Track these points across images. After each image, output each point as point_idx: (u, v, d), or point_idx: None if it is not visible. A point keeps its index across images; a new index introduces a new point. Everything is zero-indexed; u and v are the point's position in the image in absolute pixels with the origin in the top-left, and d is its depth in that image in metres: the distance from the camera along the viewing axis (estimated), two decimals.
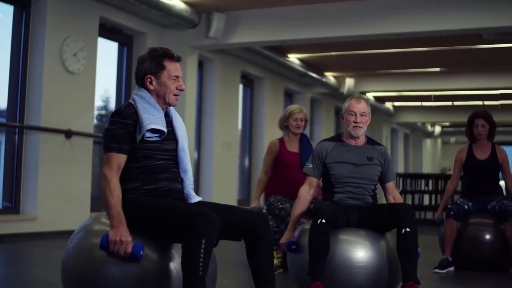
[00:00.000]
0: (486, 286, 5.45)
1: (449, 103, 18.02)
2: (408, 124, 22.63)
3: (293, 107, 6.17)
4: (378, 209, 4.46)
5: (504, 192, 6.50)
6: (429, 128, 24.80)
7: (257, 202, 6.16)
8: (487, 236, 6.20)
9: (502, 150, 6.52)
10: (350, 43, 11.03)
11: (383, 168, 4.66)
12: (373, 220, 4.42)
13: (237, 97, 12.41)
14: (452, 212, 6.26)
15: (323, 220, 4.18)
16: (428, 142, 26.65)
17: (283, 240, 4.55)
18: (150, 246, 3.26)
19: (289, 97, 15.11)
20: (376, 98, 17.81)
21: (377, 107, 18.32)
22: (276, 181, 6.06)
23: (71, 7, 8.44)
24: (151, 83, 3.50)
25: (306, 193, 4.67)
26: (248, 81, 13.26)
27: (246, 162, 13.22)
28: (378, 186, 4.69)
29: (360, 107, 4.59)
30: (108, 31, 9.48)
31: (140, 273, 3.19)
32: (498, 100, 16.51)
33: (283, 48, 11.94)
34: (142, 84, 3.52)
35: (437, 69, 14.23)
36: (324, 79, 14.19)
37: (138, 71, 3.53)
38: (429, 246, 7.28)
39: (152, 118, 3.38)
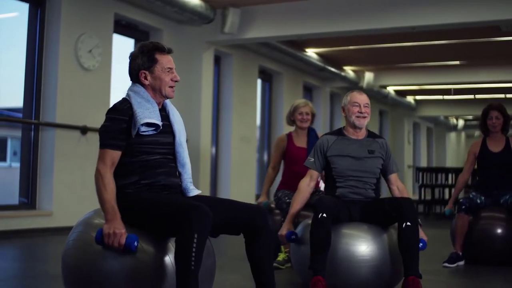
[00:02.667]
0: (495, 281, 5.42)
1: (471, 96, 17.90)
2: (430, 118, 22.53)
3: (299, 101, 6.18)
4: (380, 203, 4.46)
5: None
6: (453, 121, 24.64)
7: (264, 197, 6.18)
8: (499, 230, 6.15)
9: None
10: (368, 36, 11.01)
11: (384, 161, 4.68)
12: (375, 214, 4.43)
13: (255, 92, 12.43)
14: (464, 207, 6.23)
15: (324, 214, 4.19)
16: (452, 135, 26.50)
17: (282, 231, 4.58)
18: (147, 240, 3.29)
19: (309, 91, 15.10)
20: (396, 92, 17.75)
21: (398, 101, 18.26)
22: (285, 176, 6.08)
23: (85, 4, 8.51)
24: (145, 78, 3.52)
25: (307, 185, 4.70)
26: (266, 76, 13.27)
27: (265, 157, 13.23)
28: (382, 181, 4.70)
29: (363, 98, 4.69)
30: (124, 27, 9.54)
31: (137, 266, 3.22)
32: None
33: (301, 43, 11.96)
34: (136, 80, 3.55)
35: (457, 62, 14.15)
36: (343, 73, 14.17)
37: (131, 67, 3.56)
38: (441, 240, 7.26)
39: (146, 113, 3.41)
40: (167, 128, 3.55)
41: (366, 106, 4.66)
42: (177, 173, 3.61)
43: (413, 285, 4.06)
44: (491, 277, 5.56)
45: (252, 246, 3.54)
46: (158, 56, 3.54)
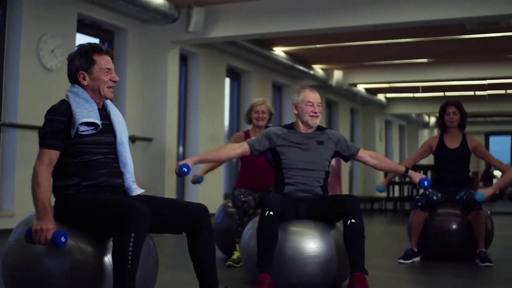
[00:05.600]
0: (449, 276, 5.47)
1: (441, 93, 18.03)
2: (402, 115, 22.66)
3: (256, 100, 6.20)
4: (326, 200, 4.51)
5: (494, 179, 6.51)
6: (425, 119, 24.79)
7: (201, 172, 6.27)
8: (454, 226, 6.22)
9: (472, 138, 6.55)
10: (336, 35, 11.06)
11: (340, 147, 4.73)
12: (321, 211, 4.48)
13: (223, 90, 12.44)
14: (419, 203, 6.29)
15: (271, 212, 4.23)
16: (424, 133, 26.64)
17: (179, 163, 4.40)
18: (85, 240, 3.31)
19: (278, 90, 15.14)
20: (367, 90, 17.84)
21: (369, 99, 18.36)
22: (242, 174, 6.10)
23: (47, 4, 8.46)
24: (84, 78, 3.54)
25: (231, 149, 4.75)
26: (235, 75, 13.29)
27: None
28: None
29: (316, 97, 4.73)
30: (88, 27, 9.51)
31: (75, 267, 3.23)
32: (485, 90, 16.53)
33: (269, 41, 12.00)
34: (75, 81, 3.57)
35: (425, 60, 14.25)
36: (312, 72, 14.24)
37: (69, 69, 3.58)
38: (400, 236, 7.32)
39: (84, 112, 3.42)
40: (107, 127, 3.56)
41: (319, 105, 4.70)
42: (120, 172, 3.62)
43: (359, 281, 4.10)
44: (445, 273, 5.62)
45: (195, 245, 3.58)
46: (96, 57, 3.56)
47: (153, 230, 3.48)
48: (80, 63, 3.54)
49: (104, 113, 3.62)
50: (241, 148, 4.72)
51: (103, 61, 3.58)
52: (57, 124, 3.39)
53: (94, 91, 3.56)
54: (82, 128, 3.42)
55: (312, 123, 4.69)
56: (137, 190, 3.65)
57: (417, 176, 4.80)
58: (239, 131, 6.41)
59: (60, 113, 3.42)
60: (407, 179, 14.11)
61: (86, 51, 3.55)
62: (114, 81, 3.61)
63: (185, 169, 4.35)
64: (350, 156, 4.81)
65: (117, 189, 3.57)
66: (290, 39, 11.71)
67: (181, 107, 11.21)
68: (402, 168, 4.88)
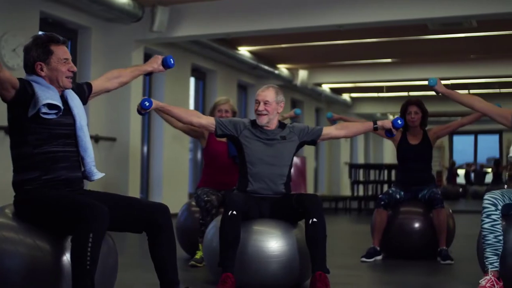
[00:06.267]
0: (411, 274, 5.51)
1: (405, 93, 18.17)
2: (367, 115, 22.77)
3: (219, 98, 6.20)
4: (288, 199, 4.51)
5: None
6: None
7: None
8: (416, 225, 6.27)
9: (430, 129, 6.60)
10: (300, 34, 11.09)
11: (305, 137, 4.72)
12: (284, 210, 4.48)
13: (188, 90, 12.40)
14: (382, 202, 6.34)
15: (234, 212, 4.22)
16: None
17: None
18: (44, 239, 3.28)
19: (243, 89, 15.15)
20: (332, 89, 17.92)
21: (334, 99, 18.47)
22: (205, 173, 6.08)
23: (9, 2, 8.37)
24: (41, 69, 3.51)
25: (197, 116, 4.70)
26: (200, 74, 13.26)
27: (199, 155, 13.21)
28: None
29: (264, 94, 4.65)
30: (51, 26, 9.41)
31: (34, 265, 3.21)
32: None
33: (233, 41, 12.00)
34: (32, 72, 3.52)
35: (389, 60, 14.36)
36: (276, 71, 14.28)
37: (26, 60, 3.53)
38: (363, 235, 7.36)
39: (47, 94, 3.40)
40: (66, 112, 3.54)
41: (267, 103, 4.61)
42: (80, 159, 3.60)
43: (320, 280, 4.12)
44: (407, 271, 5.67)
45: (155, 244, 3.57)
46: (54, 48, 3.53)
47: (113, 228, 3.47)
48: (37, 54, 3.50)
49: (62, 99, 3.57)
50: (206, 120, 4.67)
51: (61, 52, 3.55)
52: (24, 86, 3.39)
53: (52, 81, 3.52)
54: (44, 110, 3.38)
55: (258, 122, 4.64)
56: (98, 174, 3.64)
57: (387, 121, 4.77)
58: None
59: (27, 84, 3.41)
60: (372, 178, 14.21)
61: (43, 41, 3.53)
62: (72, 71, 3.58)
63: (147, 103, 4.32)
64: (315, 138, 4.77)
65: (76, 183, 3.55)
66: (255, 38, 11.73)
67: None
68: (370, 124, 4.83)
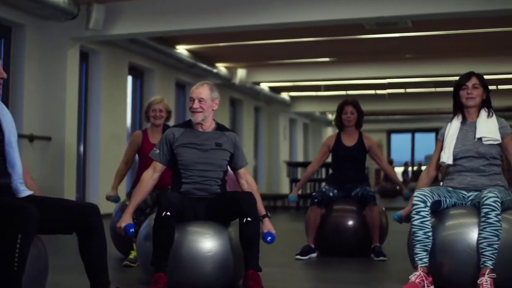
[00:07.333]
0: (345, 271, 5.58)
1: (343, 92, 18.37)
2: (306, 113, 22.96)
3: (154, 98, 6.19)
4: (223, 199, 4.49)
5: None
6: (329, 117, 25.18)
7: (115, 191, 6.16)
8: (349, 222, 6.36)
9: (368, 137, 6.71)
10: (238, 33, 11.10)
11: (233, 155, 4.67)
12: (219, 210, 4.46)
13: (125, 88, 12.30)
14: (316, 200, 6.39)
15: (168, 213, 4.19)
16: (328, 130, 27.06)
17: (121, 223, 4.48)
18: None
19: (181, 88, 15.10)
20: (271, 88, 17.99)
21: (272, 97, 18.55)
22: (139, 173, 6.03)
23: None
24: None
25: (150, 177, 4.64)
26: (137, 73, 13.16)
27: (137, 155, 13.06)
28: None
29: (199, 92, 4.60)
30: None
31: None
32: (385, 89, 16.95)
33: (171, 39, 11.95)
34: None
35: (327, 59, 14.47)
36: (215, 70, 14.27)
37: None
38: (298, 233, 7.41)
39: None
40: None
41: (201, 100, 4.55)
42: (7, 173, 3.52)
43: (252, 279, 4.13)
44: (341, 268, 5.73)
45: (85, 245, 3.53)
46: None
47: (43, 231, 3.41)
48: None
49: None
50: (155, 170, 4.65)
51: None
52: None
53: None
54: None
55: (193, 119, 4.59)
56: (25, 192, 3.56)
57: (265, 227, 4.59)
58: (136, 131, 6.36)
59: None
60: (315, 176, 14.33)
61: None
62: (1, 78, 3.50)
63: (132, 230, 4.45)
64: (234, 168, 4.73)
65: (5, 190, 3.48)
66: (193, 37, 11.70)
67: (81, 105, 11.03)
68: (262, 212, 4.59)
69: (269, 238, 4.53)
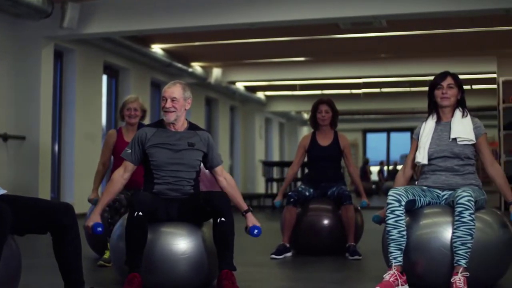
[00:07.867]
0: (320, 270, 5.58)
1: (319, 91, 18.40)
2: (282, 113, 22.98)
3: (128, 97, 6.18)
4: (196, 199, 4.46)
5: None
6: (304, 116, 25.22)
7: (95, 193, 6.09)
8: (325, 221, 6.37)
9: (344, 137, 6.72)
10: (214, 32, 11.06)
11: (207, 154, 4.64)
12: (192, 211, 4.44)
13: (100, 88, 12.22)
14: (292, 199, 6.39)
15: (140, 213, 4.16)
16: (304, 130, 27.10)
17: (89, 222, 4.43)
18: None
19: (157, 87, 15.03)
20: (246, 87, 17.99)
21: (248, 97, 18.55)
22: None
23: None
24: None
25: (120, 176, 4.60)
26: (112, 72, 13.08)
27: None
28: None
29: (171, 91, 4.56)
30: None
31: None
32: (361, 89, 17.02)
33: (147, 38, 11.91)
34: None
35: (302, 59, 14.49)
36: (190, 69, 14.23)
37: None
38: (274, 233, 7.41)
39: None
40: None
41: (174, 100, 4.51)
42: None
43: (227, 278, 4.12)
44: (315, 267, 5.74)
45: (59, 245, 3.52)
46: None
47: (16, 231, 3.40)
48: None
49: None
50: (126, 170, 4.60)
51: None
52: None
53: None
54: None
55: (166, 119, 4.55)
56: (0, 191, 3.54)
57: (250, 221, 4.56)
58: (111, 130, 6.34)
59: None
60: (285, 176, 14.31)
61: None
62: None
63: (100, 229, 4.40)
64: (210, 167, 4.71)
65: None
66: (168, 36, 11.67)
67: (56, 104, 10.96)
68: (244, 207, 4.62)
69: (256, 231, 4.51)
